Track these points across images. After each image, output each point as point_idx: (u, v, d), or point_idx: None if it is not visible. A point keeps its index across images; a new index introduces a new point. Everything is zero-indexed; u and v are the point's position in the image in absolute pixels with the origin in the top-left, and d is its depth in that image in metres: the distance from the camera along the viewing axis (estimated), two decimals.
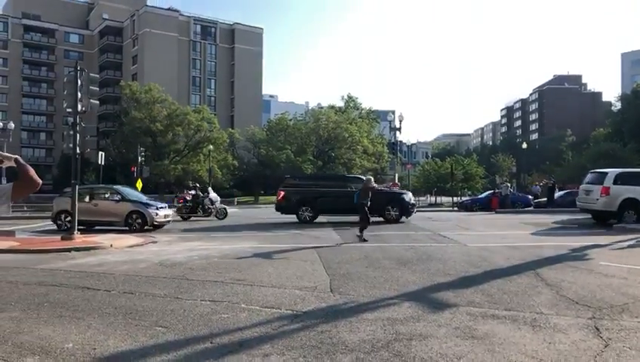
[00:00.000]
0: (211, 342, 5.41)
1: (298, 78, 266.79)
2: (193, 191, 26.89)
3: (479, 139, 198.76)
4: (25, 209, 39.30)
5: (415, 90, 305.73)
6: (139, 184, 36.58)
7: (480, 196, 40.58)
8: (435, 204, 51.96)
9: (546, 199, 33.57)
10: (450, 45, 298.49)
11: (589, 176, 20.77)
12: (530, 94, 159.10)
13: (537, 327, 5.87)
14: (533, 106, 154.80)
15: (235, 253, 12.43)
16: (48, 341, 5.51)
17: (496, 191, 37.07)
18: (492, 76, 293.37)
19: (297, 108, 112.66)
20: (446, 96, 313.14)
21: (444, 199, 56.30)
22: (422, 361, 4.84)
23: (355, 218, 16.12)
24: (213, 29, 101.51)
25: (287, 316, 6.40)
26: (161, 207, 19.89)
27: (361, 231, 14.84)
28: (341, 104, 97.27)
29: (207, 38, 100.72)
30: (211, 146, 64.18)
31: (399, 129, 41.38)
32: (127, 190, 21.03)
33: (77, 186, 15.95)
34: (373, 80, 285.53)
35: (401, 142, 70.31)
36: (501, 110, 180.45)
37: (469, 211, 35.13)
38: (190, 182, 35.96)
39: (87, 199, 19.63)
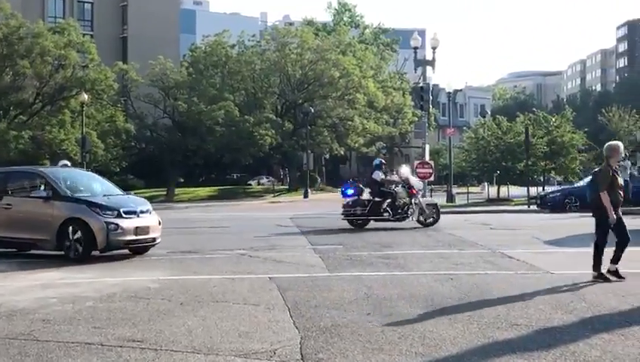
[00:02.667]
0: None
1: None
2: None
3: (577, 80, 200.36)
4: None
5: None
6: None
7: (578, 184, 40.88)
8: (499, 200, 52.16)
9: None
10: None
11: None
12: None
13: None
14: None
15: (127, 291, 12.40)
16: None
17: None
18: None
19: (246, 24, 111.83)
20: (517, 4, 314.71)
21: (515, 190, 56.54)
22: None
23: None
24: None
25: None
26: (140, 212, 18.48)
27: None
28: (327, 18, 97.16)
29: None
30: (85, 96, 63.39)
31: (432, 62, 41.49)
32: (65, 174, 19.92)
33: None
34: None
35: (435, 86, 70.91)
36: (618, 28, 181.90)
37: (559, 212, 35.33)
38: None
39: None
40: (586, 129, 65.24)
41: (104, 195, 18.76)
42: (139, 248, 18.38)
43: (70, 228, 17.51)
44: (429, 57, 42.44)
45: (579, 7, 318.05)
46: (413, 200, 26.03)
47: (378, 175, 26.53)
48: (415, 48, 41.52)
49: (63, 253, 17.48)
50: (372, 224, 25.67)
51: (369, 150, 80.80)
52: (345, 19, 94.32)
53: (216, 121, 71.61)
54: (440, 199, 43.03)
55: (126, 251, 18.06)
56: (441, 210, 37.44)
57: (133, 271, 15.16)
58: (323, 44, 76.79)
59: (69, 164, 28.34)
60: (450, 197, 43.49)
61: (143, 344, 8.62)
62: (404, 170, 27.46)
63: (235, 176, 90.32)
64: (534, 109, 73.84)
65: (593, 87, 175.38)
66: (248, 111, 73.46)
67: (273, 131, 71.31)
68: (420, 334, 8.83)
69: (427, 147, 41.82)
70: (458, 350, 8.16)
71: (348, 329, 9.14)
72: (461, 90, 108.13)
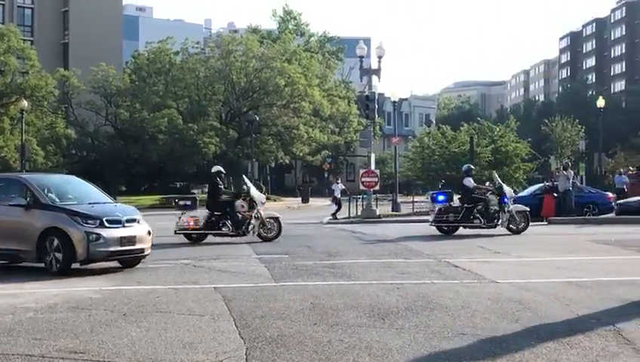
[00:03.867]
0: None
1: None
2: None
3: (521, 90, 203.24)
4: None
5: (408, 6, 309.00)
6: None
7: (522, 194, 41.32)
8: None
9: (639, 198, 34.54)
10: None
11: None
12: (613, 10, 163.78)
13: None
14: (618, 31, 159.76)
15: (69, 302, 12.25)
16: None
17: (551, 184, 37.91)
18: None
19: (190, 31, 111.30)
20: (461, 14, 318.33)
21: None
22: None
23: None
24: None
25: None
26: (127, 221, 17.31)
27: None
28: (272, 26, 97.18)
29: None
30: (25, 103, 62.53)
31: (378, 71, 41.63)
32: (49, 181, 18.95)
33: None
34: None
35: (381, 95, 71.21)
36: (560, 39, 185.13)
37: None
38: None
39: None
40: (529, 139, 66.37)
41: (89, 203, 17.62)
42: (125, 260, 17.34)
43: (49, 238, 16.47)
44: (374, 66, 42.52)
45: (523, 18, 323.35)
46: (505, 208, 25.90)
47: (469, 181, 26.40)
48: (361, 57, 41.61)
49: (43, 264, 16.59)
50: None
51: (314, 159, 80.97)
52: (290, 27, 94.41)
53: (159, 129, 71.18)
54: (385, 208, 43.29)
55: (114, 263, 17.23)
56: (385, 219, 37.96)
57: (76, 282, 14.97)
58: (268, 52, 76.80)
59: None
60: (396, 206, 43.67)
61: (85, 355, 8.55)
62: (496, 176, 27.59)
63: (178, 185, 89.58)
64: (479, 119, 74.90)
65: (536, 98, 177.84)
66: (192, 119, 73.09)
67: (217, 139, 71.03)
68: (366, 344, 8.86)
69: (373, 156, 41.90)
70: (405, 360, 8.20)
71: (294, 340, 9.13)
72: (406, 99, 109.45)
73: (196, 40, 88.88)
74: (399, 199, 45.28)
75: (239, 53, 77.11)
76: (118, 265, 17.30)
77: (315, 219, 37.58)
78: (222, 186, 25.80)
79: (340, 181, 45.61)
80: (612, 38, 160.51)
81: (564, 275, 14.64)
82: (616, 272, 15.09)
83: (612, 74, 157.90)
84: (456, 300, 11.74)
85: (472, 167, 29.12)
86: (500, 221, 25.94)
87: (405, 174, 65.78)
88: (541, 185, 40.36)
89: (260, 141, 73.91)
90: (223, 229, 24.43)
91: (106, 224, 16.70)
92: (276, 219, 25.05)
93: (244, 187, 25.82)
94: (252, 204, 24.60)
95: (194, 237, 24.52)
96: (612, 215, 34.69)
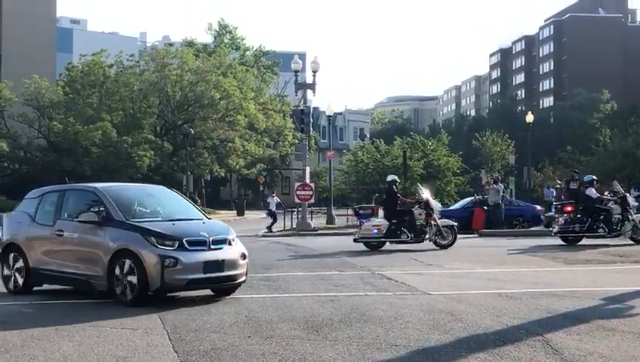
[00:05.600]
0: None
1: None
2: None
3: (453, 105, 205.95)
4: None
5: (342, 22, 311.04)
6: None
7: (453, 207, 41.78)
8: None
9: None
10: None
11: None
12: (542, 28, 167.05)
13: None
14: (546, 48, 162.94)
15: None
16: None
17: (481, 197, 38.40)
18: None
19: (125, 44, 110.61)
20: (395, 30, 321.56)
21: None
22: None
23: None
24: None
25: None
26: (214, 242, 14.32)
27: None
28: (208, 40, 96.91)
29: None
30: None
31: (313, 86, 41.79)
32: (126, 192, 16.28)
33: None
34: (266, 3, 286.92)
35: (316, 109, 71.30)
36: (491, 55, 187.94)
37: None
38: None
39: (50, 221, 15.36)
40: (460, 153, 67.13)
41: (171, 220, 14.78)
42: (214, 288, 14.43)
43: (120, 262, 13.73)
44: (309, 80, 42.76)
45: (455, 34, 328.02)
46: (629, 217, 25.60)
47: (592, 192, 26.22)
48: (296, 71, 41.73)
49: (111, 294, 13.86)
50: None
51: (250, 172, 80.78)
52: (226, 40, 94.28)
53: (93, 142, 70.28)
54: (320, 221, 43.37)
55: (207, 291, 14.45)
56: (320, 231, 38.03)
57: (5, 296, 14.74)
58: (203, 65, 76.59)
59: None
60: (331, 219, 43.80)
61: None
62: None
63: None
64: (411, 133, 75.63)
65: (468, 113, 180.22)
66: (126, 132, 72.35)
67: (152, 152, 70.45)
68: (300, 356, 8.87)
69: (308, 169, 42.02)
70: None
71: (228, 353, 9.12)
72: (341, 113, 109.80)
73: (131, 53, 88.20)
74: (334, 212, 45.41)
75: (174, 67, 76.75)
76: (209, 292, 14.56)
77: (251, 232, 37.45)
78: (399, 195, 26.54)
79: (275, 194, 45.65)
80: (540, 55, 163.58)
81: (495, 287, 14.82)
82: (545, 284, 15.33)
83: (540, 90, 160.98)
84: (389, 312, 11.80)
85: (595, 178, 28.34)
86: (624, 231, 25.77)
87: (340, 187, 66.03)
88: (472, 198, 40.88)
89: (195, 154, 73.55)
90: (402, 237, 24.97)
91: (187, 246, 13.78)
92: (451, 227, 25.45)
93: (422, 195, 26.23)
94: (428, 211, 25.20)
95: (373, 245, 25.12)
96: (541, 227, 35.26)
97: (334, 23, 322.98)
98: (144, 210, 15.18)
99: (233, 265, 14.11)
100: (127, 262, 13.54)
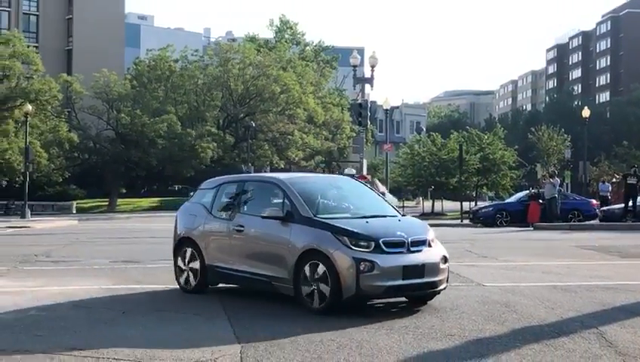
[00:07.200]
0: None
1: None
2: None
3: (509, 100, 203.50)
4: None
5: (400, 18, 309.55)
6: None
7: (509, 200, 41.49)
8: (433, 213, 52.71)
9: (622, 206, 34.80)
10: None
11: None
12: (599, 23, 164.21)
13: None
14: (603, 44, 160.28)
15: (71, 299, 12.20)
16: None
17: (537, 191, 38.05)
18: None
19: (190, 39, 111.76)
20: (452, 25, 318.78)
21: (448, 204, 57.13)
22: None
23: None
24: None
25: None
26: (412, 243, 11.94)
27: None
28: (269, 35, 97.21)
29: None
30: (29, 106, 62.50)
31: (371, 80, 41.74)
32: (311, 185, 13.84)
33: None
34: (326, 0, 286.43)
35: (373, 103, 71.14)
36: (548, 51, 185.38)
37: (490, 226, 35.92)
38: None
39: (225, 214, 13.78)
40: (516, 147, 66.43)
41: (363, 217, 12.55)
42: (412, 296, 12.17)
43: (308, 264, 11.73)
44: (367, 75, 42.75)
45: (511, 29, 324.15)
46: None
47: None
48: (354, 66, 41.70)
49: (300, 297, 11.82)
50: None
51: (308, 164, 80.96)
52: (286, 36, 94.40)
53: (158, 134, 71.27)
54: None
55: (401, 299, 12.31)
56: None
57: (75, 280, 14.96)
58: (264, 60, 76.98)
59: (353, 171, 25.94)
60: None
61: (83, 352, 8.59)
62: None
63: (177, 188, 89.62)
64: (467, 127, 74.95)
65: (524, 107, 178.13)
66: (190, 125, 73.26)
67: (215, 144, 71.16)
68: (357, 343, 8.93)
69: (365, 162, 42.06)
70: (394, 359, 8.29)
71: (287, 340, 9.17)
72: (398, 107, 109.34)
73: (195, 48, 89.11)
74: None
75: (237, 61, 77.33)
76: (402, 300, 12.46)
77: None
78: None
79: None
80: (597, 51, 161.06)
81: (549, 279, 14.77)
82: (599, 277, 15.22)
83: (597, 85, 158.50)
84: (445, 302, 11.81)
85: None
86: None
87: (396, 180, 65.80)
88: (527, 191, 40.53)
89: (256, 146, 74.05)
90: None
91: (383, 248, 11.59)
92: None
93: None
94: None
95: None
96: (596, 221, 34.87)
97: (392, 18, 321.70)
98: (330, 203, 13.25)
99: (434, 269, 11.85)
100: (317, 265, 11.59)
